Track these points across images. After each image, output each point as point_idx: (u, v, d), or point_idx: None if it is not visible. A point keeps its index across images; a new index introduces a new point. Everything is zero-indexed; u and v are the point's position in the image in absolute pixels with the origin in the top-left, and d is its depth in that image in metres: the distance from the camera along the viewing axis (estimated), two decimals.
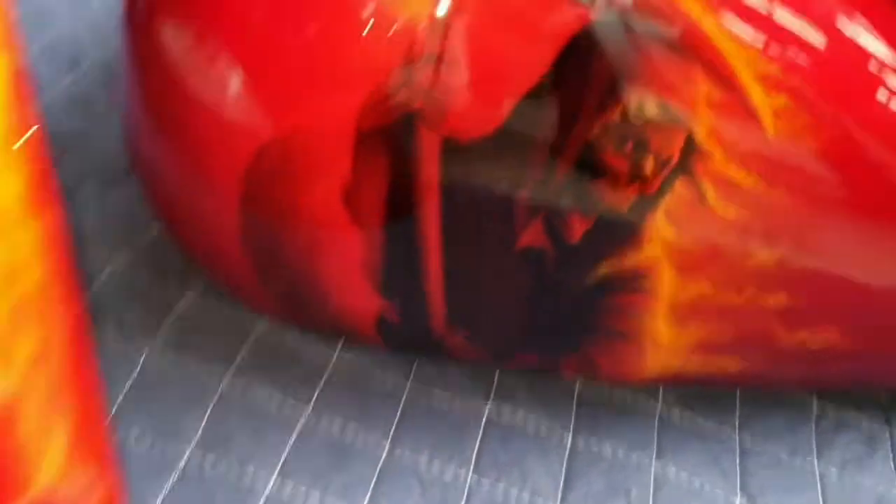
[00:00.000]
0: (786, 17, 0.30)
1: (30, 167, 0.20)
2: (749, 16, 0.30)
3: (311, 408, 0.37)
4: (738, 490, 0.38)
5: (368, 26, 0.27)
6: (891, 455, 0.41)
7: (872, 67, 0.32)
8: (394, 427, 0.37)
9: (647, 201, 0.30)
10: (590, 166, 0.29)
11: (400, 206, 0.29)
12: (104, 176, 0.45)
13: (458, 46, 0.27)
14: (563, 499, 0.36)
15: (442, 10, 0.27)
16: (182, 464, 0.35)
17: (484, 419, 0.38)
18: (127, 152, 0.36)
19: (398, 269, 0.31)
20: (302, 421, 0.37)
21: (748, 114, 0.30)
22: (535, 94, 0.28)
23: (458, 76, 0.27)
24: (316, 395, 0.38)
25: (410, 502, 0.35)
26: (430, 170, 0.28)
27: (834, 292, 0.34)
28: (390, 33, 0.27)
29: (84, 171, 0.45)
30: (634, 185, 0.30)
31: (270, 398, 0.37)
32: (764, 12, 0.30)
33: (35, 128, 0.20)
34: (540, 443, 0.38)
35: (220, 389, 0.37)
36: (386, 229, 0.30)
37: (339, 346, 0.40)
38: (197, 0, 0.29)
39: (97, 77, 0.51)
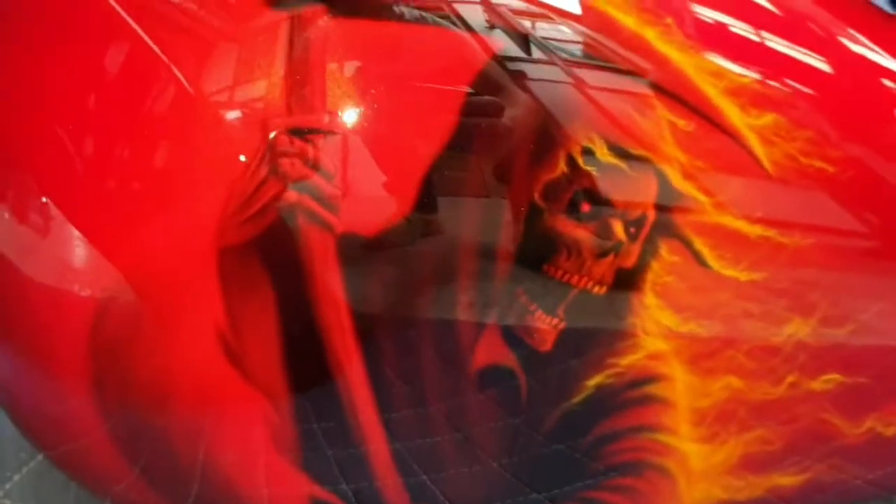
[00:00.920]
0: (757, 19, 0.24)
1: None
2: (705, 26, 0.24)
3: None
4: None
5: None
6: None
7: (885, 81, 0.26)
8: None
9: (628, 278, 0.22)
10: (540, 243, 0.22)
11: (301, 345, 0.21)
12: None
13: (331, 114, 0.20)
14: None
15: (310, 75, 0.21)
16: None
17: None
18: None
19: (321, 436, 0.23)
20: None
21: (731, 142, 0.23)
22: (443, 164, 0.21)
23: (339, 153, 0.20)
24: None
25: None
26: (329, 283, 0.21)
27: (892, 356, 0.26)
28: (235, 117, 0.21)
29: None
30: (605, 259, 0.22)
31: None
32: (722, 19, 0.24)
33: None
34: None
35: None
36: (291, 382, 0.22)
37: None
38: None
39: None
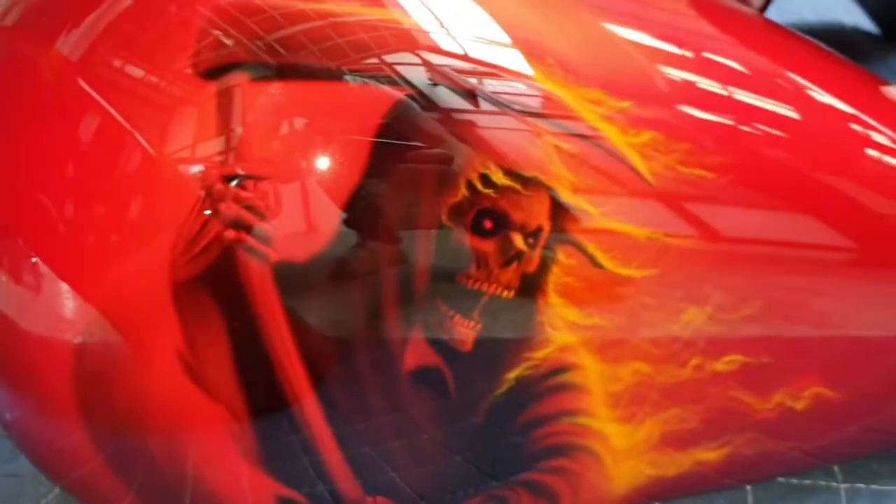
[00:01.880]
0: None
1: None
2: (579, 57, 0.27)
3: None
4: None
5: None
6: None
7: (751, 85, 0.30)
8: None
9: (532, 282, 0.26)
10: (452, 258, 0.25)
11: (251, 360, 0.25)
12: None
13: (259, 162, 0.24)
14: None
15: (236, 129, 0.24)
16: None
17: None
18: None
19: (279, 441, 0.26)
20: None
21: (612, 159, 0.26)
22: (362, 193, 0.24)
23: (269, 193, 0.24)
24: None
25: None
26: (269, 307, 0.24)
27: (795, 339, 0.29)
28: (180, 171, 0.24)
29: None
30: (510, 267, 0.26)
31: None
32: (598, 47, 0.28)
33: None
34: None
35: None
36: (246, 394, 0.25)
37: None
38: None
39: None
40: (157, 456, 0.28)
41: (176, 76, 0.25)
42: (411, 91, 0.25)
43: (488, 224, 0.25)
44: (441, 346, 0.26)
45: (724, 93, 0.28)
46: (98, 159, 0.26)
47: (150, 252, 0.24)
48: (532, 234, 0.26)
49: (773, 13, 0.58)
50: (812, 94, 0.31)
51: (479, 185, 0.25)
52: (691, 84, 0.28)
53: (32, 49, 0.29)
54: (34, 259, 0.26)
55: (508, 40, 0.27)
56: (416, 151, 0.25)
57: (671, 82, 0.28)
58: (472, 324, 0.26)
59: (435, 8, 0.27)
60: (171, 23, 0.27)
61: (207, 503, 0.28)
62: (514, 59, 0.26)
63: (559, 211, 0.26)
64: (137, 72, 0.26)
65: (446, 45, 0.26)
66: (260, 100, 0.25)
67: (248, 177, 0.24)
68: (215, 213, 0.24)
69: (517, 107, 0.26)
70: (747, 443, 0.30)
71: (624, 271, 0.26)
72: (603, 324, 0.27)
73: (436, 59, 0.26)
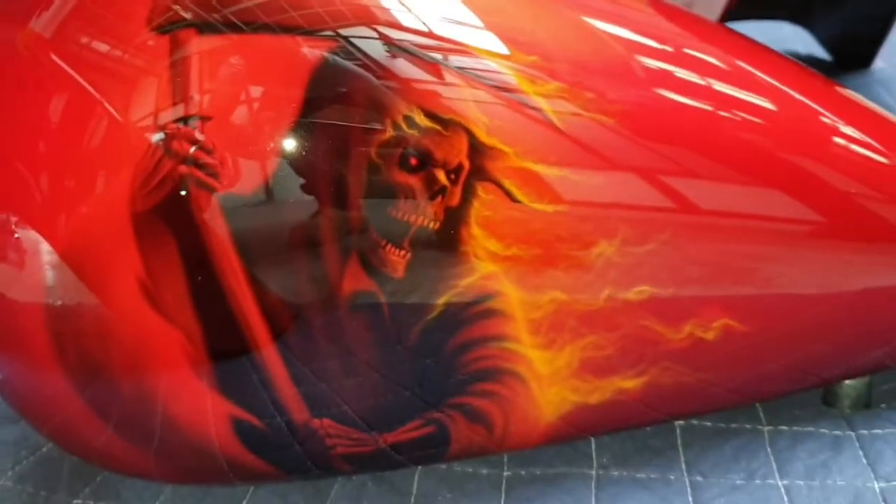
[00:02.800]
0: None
1: None
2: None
3: None
4: None
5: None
6: (860, 452, 0.37)
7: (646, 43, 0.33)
8: None
9: (455, 214, 0.29)
10: (382, 191, 0.28)
11: (203, 285, 0.28)
12: None
13: (207, 106, 0.28)
14: None
15: (186, 72, 0.28)
16: None
17: None
18: None
19: (229, 360, 0.29)
20: None
21: (522, 105, 0.30)
22: (297, 133, 0.28)
23: (216, 133, 0.27)
24: None
25: None
26: (219, 235, 0.28)
27: (697, 271, 0.32)
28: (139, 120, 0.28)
29: None
30: (436, 200, 0.29)
31: None
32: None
33: None
34: None
35: None
36: (198, 315, 0.28)
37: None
38: None
39: None
40: (128, 390, 0.30)
41: (138, 48, 0.29)
42: (343, 43, 0.28)
43: (414, 161, 0.29)
44: (375, 273, 0.29)
45: (623, 54, 0.32)
46: (67, 121, 0.29)
47: (111, 186, 0.27)
48: (454, 171, 0.29)
49: None
50: (709, 57, 0.34)
51: (404, 126, 0.28)
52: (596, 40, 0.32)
53: (9, 28, 0.32)
54: (16, 235, 0.29)
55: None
56: (346, 96, 0.28)
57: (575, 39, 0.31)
58: (402, 252, 0.29)
59: None
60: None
61: (175, 433, 0.31)
62: (441, 22, 0.30)
63: (477, 150, 0.29)
64: (108, 43, 0.30)
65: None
66: (208, 56, 0.28)
67: (197, 117, 0.27)
68: (168, 150, 0.27)
69: (439, 58, 0.29)
70: (663, 372, 0.33)
71: (537, 206, 0.30)
72: (521, 254, 0.30)
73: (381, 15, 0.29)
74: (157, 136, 0.27)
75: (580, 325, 0.31)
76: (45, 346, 0.30)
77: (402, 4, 0.30)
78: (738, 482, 0.36)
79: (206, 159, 0.27)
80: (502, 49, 0.30)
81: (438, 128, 0.29)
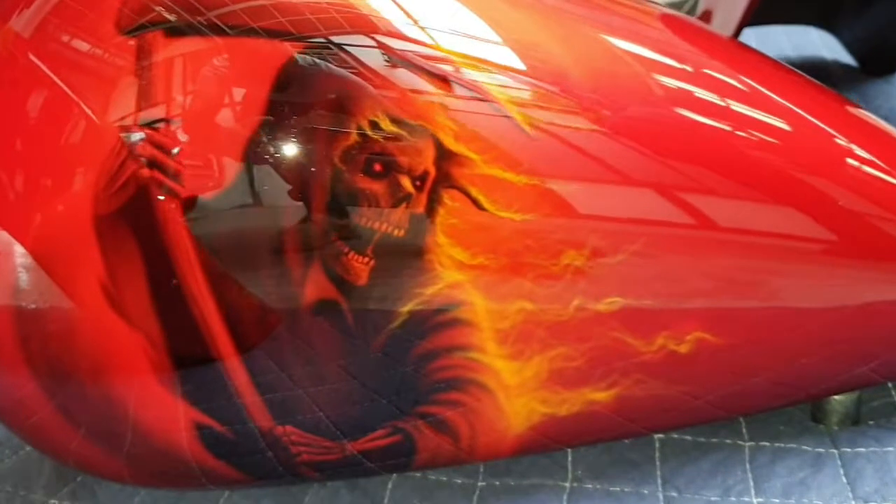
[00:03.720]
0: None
1: None
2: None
3: None
4: None
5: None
6: (841, 471, 0.36)
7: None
8: None
9: (420, 221, 0.29)
10: (345, 197, 0.28)
11: (164, 290, 0.28)
12: None
13: (172, 109, 0.27)
14: None
15: (152, 83, 0.28)
16: None
17: None
18: None
19: (191, 366, 0.29)
20: None
21: (494, 112, 0.29)
22: (261, 136, 0.28)
23: (180, 136, 0.27)
24: None
25: None
26: (179, 239, 0.27)
27: (670, 284, 0.32)
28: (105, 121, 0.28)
29: None
30: (401, 207, 0.29)
31: None
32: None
33: None
34: None
35: None
36: (160, 320, 0.28)
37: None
38: None
39: None
40: (95, 395, 0.30)
41: (117, 47, 0.29)
42: (311, 45, 0.28)
43: (378, 167, 0.28)
44: (338, 281, 0.29)
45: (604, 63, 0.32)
46: (40, 120, 0.30)
47: (74, 188, 0.28)
48: (419, 178, 0.29)
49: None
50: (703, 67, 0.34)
51: (368, 131, 0.28)
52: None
53: None
54: None
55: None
56: (311, 98, 0.28)
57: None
58: (366, 260, 0.29)
59: None
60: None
61: (145, 438, 0.31)
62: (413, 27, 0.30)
63: (444, 157, 0.29)
64: (82, 45, 0.30)
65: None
66: (176, 59, 0.28)
67: (160, 120, 0.27)
68: (132, 152, 0.27)
69: (406, 62, 0.29)
70: (636, 384, 0.33)
71: (505, 214, 0.29)
72: (488, 263, 0.30)
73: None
74: (121, 137, 0.27)
75: (549, 335, 0.31)
76: (13, 349, 0.30)
77: (374, 9, 0.30)
78: (713, 498, 0.35)
79: (170, 163, 0.27)
80: (475, 55, 0.30)
81: (404, 133, 0.28)
